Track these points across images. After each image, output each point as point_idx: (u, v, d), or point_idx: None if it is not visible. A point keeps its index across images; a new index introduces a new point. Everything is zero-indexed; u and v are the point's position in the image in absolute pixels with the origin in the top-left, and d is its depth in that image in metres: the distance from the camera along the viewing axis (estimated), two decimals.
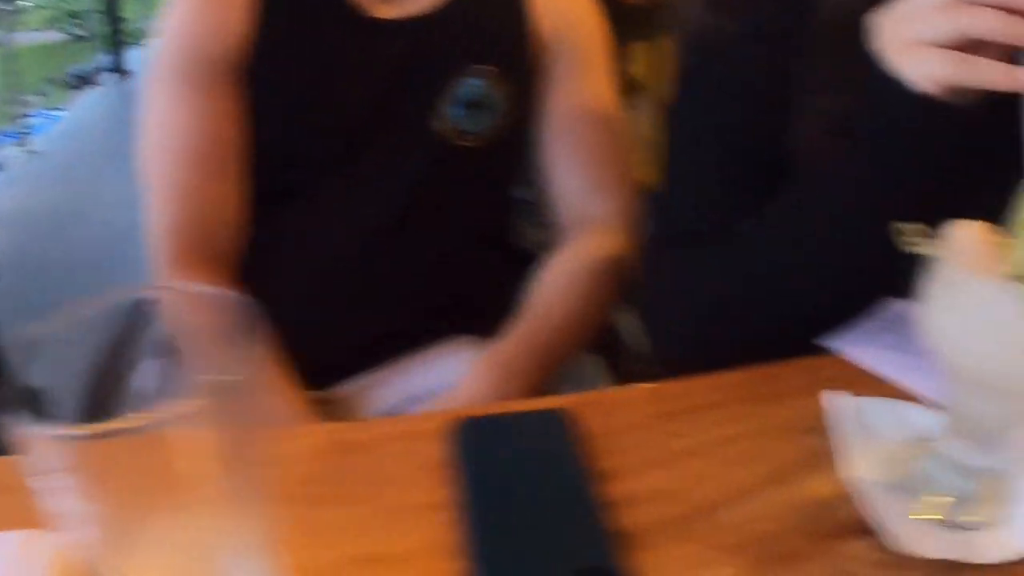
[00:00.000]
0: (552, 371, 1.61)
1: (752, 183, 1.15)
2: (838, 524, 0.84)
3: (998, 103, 0.88)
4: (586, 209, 1.76)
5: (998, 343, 0.73)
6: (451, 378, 1.67)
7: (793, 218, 1.09)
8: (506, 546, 0.80)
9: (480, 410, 0.98)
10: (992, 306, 0.72)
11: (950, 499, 0.84)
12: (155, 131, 1.66)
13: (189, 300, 0.70)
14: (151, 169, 1.65)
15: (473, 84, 1.71)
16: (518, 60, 1.77)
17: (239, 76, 1.66)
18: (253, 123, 1.68)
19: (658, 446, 0.93)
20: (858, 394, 0.97)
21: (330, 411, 1.65)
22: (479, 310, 1.77)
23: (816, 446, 0.93)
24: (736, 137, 1.21)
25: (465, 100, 1.72)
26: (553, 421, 0.95)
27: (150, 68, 1.69)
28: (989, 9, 0.88)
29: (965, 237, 0.72)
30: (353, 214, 1.72)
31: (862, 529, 0.82)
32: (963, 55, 0.89)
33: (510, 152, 1.81)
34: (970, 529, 0.83)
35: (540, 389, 1.57)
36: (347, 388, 1.71)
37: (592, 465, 0.90)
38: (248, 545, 0.59)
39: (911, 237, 0.73)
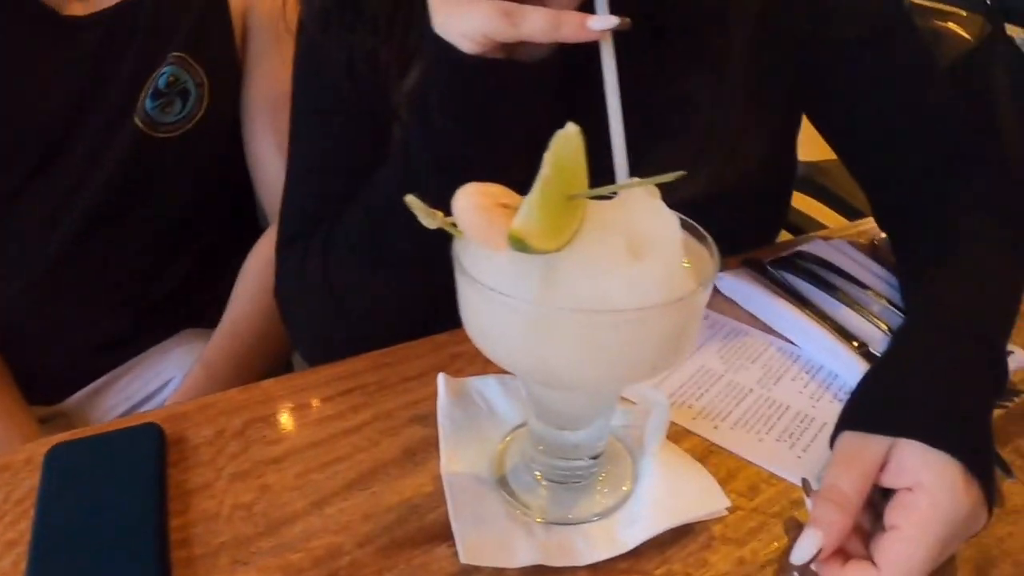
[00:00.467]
0: (259, 360, 1.59)
1: (356, 178, 1.08)
2: (423, 529, 0.77)
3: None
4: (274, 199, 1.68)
5: (515, 327, 0.64)
6: (177, 375, 1.63)
7: (381, 190, 1.02)
8: (67, 538, 0.77)
9: (75, 433, 0.89)
10: (501, 281, 0.62)
11: (544, 498, 0.77)
12: None
13: None
14: None
15: (168, 72, 1.66)
16: (213, 46, 1.71)
17: None
18: None
19: (252, 456, 0.86)
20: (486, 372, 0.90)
21: (58, 426, 1.59)
22: (201, 300, 1.74)
23: (424, 437, 0.86)
24: (336, 131, 1.17)
25: (162, 90, 1.66)
26: (145, 438, 0.87)
27: None
28: None
29: (469, 202, 0.63)
30: (60, 216, 1.64)
31: (447, 535, 0.75)
32: (508, 5, 0.79)
33: (212, 140, 1.75)
34: (586, 522, 0.77)
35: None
36: (76, 398, 1.66)
37: (179, 481, 0.83)
38: None
39: (419, 211, 0.64)
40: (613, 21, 0.76)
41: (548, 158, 0.60)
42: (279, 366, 1.64)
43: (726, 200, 1.05)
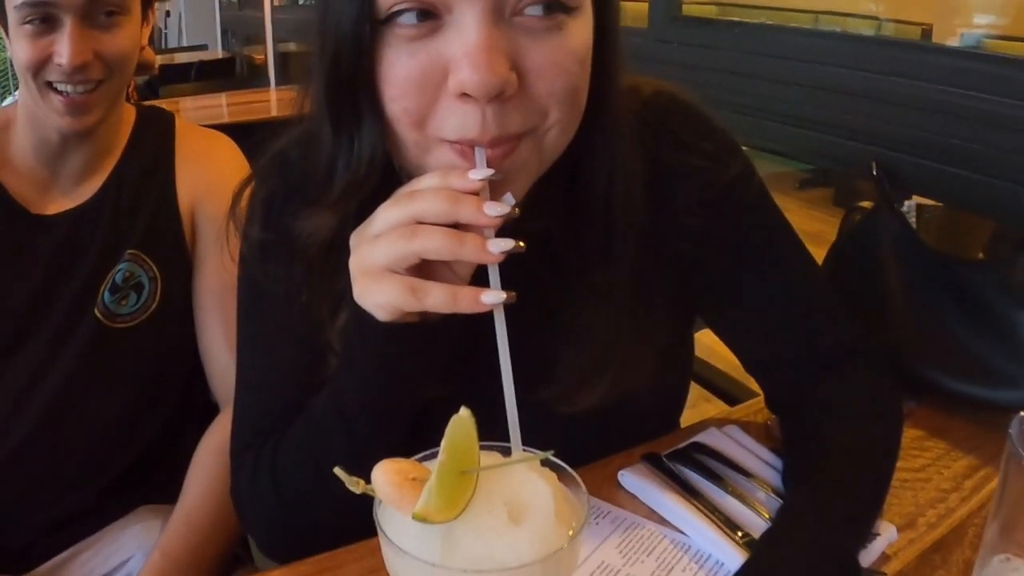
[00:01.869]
0: (215, 547, 1.71)
1: (298, 396, 1.23)
2: None
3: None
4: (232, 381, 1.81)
5: None
6: (137, 553, 1.75)
7: (308, 430, 1.18)
8: None
9: None
10: (410, 545, 0.78)
11: None
12: None
13: None
14: None
15: (124, 268, 1.81)
16: (164, 243, 1.87)
17: None
18: None
19: None
20: None
21: None
22: (162, 479, 1.86)
23: None
24: (280, 359, 1.30)
25: (119, 285, 1.81)
26: None
27: None
28: (440, 229, 0.94)
29: (384, 478, 0.79)
30: (23, 400, 1.77)
31: None
32: (414, 281, 0.94)
33: (167, 329, 1.89)
34: None
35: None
36: (41, 570, 1.76)
37: None
38: None
39: (346, 480, 0.79)
40: (500, 297, 0.91)
41: (444, 443, 0.76)
42: (235, 547, 1.76)
43: (626, 404, 1.20)
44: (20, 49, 1.64)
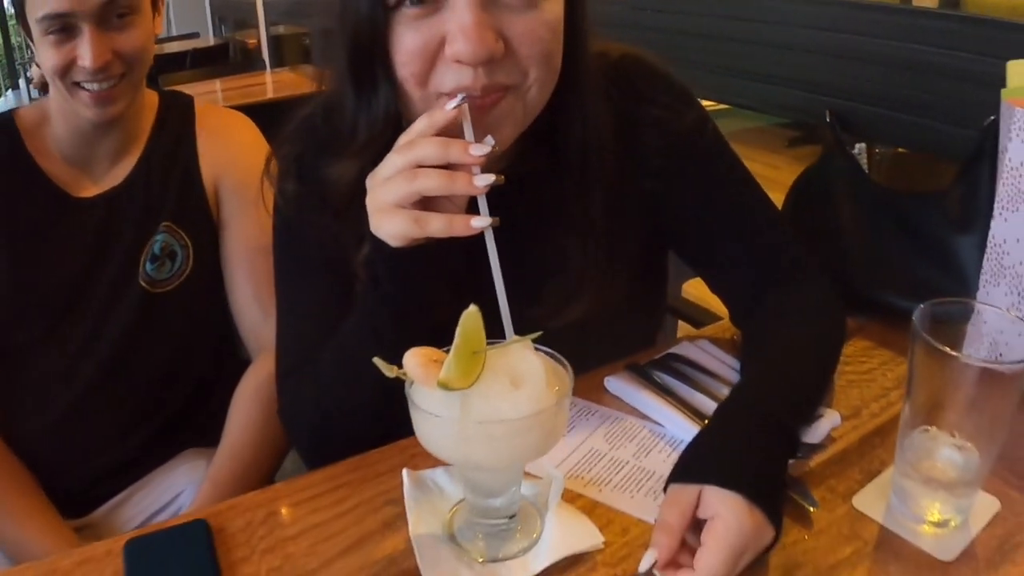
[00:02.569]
0: (257, 474, 1.93)
1: (331, 323, 1.46)
2: (402, 570, 1.17)
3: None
4: (263, 332, 2.05)
5: (445, 439, 1.07)
6: (187, 488, 1.99)
7: (345, 345, 1.42)
8: None
9: (142, 530, 1.29)
10: (436, 410, 1.04)
11: (480, 545, 1.18)
12: None
13: None
14: None
15: (160, 239, 2.04)
16: (192, 214, 2.09)
17: None
18: None
19: (275, 536, 1.25)
20: (433, 466, 1.30)
21: (88, 535, 1.93)
22: (202, 423, 2.10)
23: (396, 513, 1.26)
24: (315, 291, 1.55)
25: (156, 254, 2.04)
26: (198, 529, 1.26)
27: None
28: (436, 170, 1.19)
29: (413, 362, 1.05)
30: (79, 361, 2.01)
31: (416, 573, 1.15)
32: (417, 213, 1.18)
33: (200, 291, 2.12)
34: (509, 560, 1.17)
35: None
36: (100, 512, 2.01)
37: (225, 557, 1.22)
38: None
39: (389, 369, 1.05)
40: (487, 221, 1.16)
41: (458, 331, 1.01)
42: (273, 472, 1.98)
43: (607, 321, 1.46)
44: (47, 56, 1.83)
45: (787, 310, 1.53)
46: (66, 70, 1.83)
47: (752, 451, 1.22)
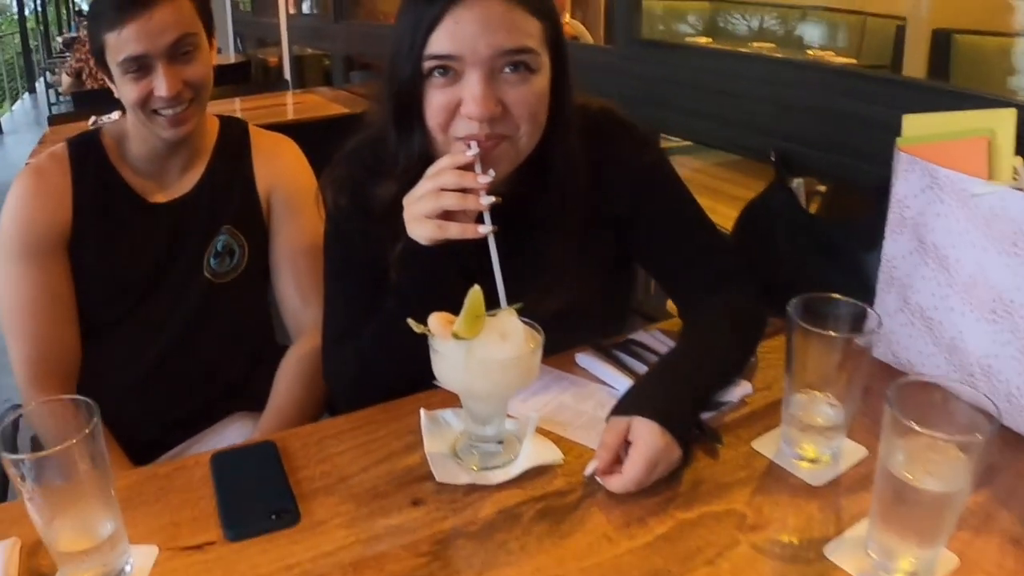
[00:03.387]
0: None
1: (369, 303, 1.89)
2: (420, 476, 1.64)
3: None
4: (303, 318, 2.53)
5: (455, 372, 1.56)
6: (236, 442, 2.34)
7: (386, 317, 1.88)
8: (238, 497, 1.58)
9: (224, 448, 1.76)
10: (449, 352, 1.53)
11: (476, 459, 1.66)
12: (6, 292, 2.30)
13: (49, 408, 1.40)
14: (8, 319, 2.30)
15: (223, 239, 2.49)
16: (248, 219, 2.55)
17: (64, 249, 2.36)
18: (76, 281, 2.39)
19: (326, 451, 1.73)
20: (445, 406, 1.79)
21: None
22: (249, 392, 2.54)
23: (417, 439, 1.73)
24: (358, 279, 1.98)
25: (219, 251, 2.49)
26: (268, 447, 1.73)
27: None
28: (454, 193, 1.68)
29: (435, 321, 1.54)
30: (154, 336, 2.46)
31: (430, 477, 1.63)
32: (440, 222, 1.65)
33: (252, 283, 2.58)
34: (495, 468, 1.65)
35: None
36: (163, 459, 2.34)
37: (288, 464, 1.69)
38: None
39: (418, 327, 1.54)
40: (490, 228, 1.66)
41: (466, 302, 1.50)
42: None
43: (578, 312, 1.92)
44: (128, 91, 2.20)
45: (718, 307, 1.97)
46: (145, 101, 2.24)
47: (668, 397, 1.70)
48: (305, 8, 7.99)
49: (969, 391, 1.38)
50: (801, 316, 1.62)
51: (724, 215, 2.56)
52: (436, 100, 1.72)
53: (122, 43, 2.15)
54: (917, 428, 1.29)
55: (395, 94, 1.77)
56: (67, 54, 17.10)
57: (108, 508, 1.35)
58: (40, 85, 18.34)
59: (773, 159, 2.61)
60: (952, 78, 5.67)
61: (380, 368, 1.91)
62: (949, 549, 1.43)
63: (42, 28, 24.63)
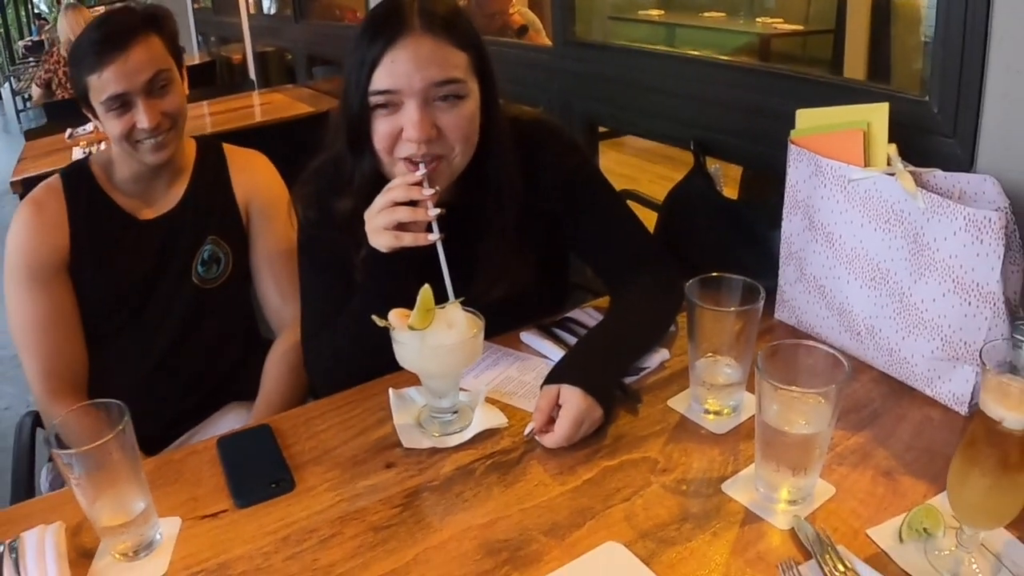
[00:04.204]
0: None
1: (339, 300, 2.16)
2: (390, 444, 1.98)
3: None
4: (283, 314, 2.83)
5: (412, 357, 1.90)
6: (234, 426, 2.62)
7: (354, 313, 2.12)
8: (242, 472, 1.85)
9: (228, 432, 2.09)
10: (407, 341, 1.87)
11: (436, 427, 2.00)
12: (17, 315, 2.52)
13: (76, 415, 1.66)
14: (21, 339, 2.52)
15: (208, 248, 2.77)
16: (231, 228, 2.82)
17: (65, 271, 2.62)
18: (79, 297, 2.65)
19: (313, 430, 2.05)
20: (409, 385, 2.12)
21: None
22: (240, 384, 2.84)
23: (384, 416, 2.06)
24: (328, 280, 2.24)
25: (205, 260, 2.76)
26: (265, 430, 2.05)
27: (3, 273, 2.55)
28: (406, 207, 1.98)
29: (393, 316, 1.86)
30: (153, 339, 2.75)
31: (399, 444, 1.97)
32: (396, 233, 1.92)
33: (238, 287, 2.86)
34: (452, 434, 1.98)
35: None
36: (169, 450, 2.58)
37: (282, 442, 2.01)
38: None
39: (380, 322, 1.86)
40: (437, 236, 1.95)
41: (418, 299, 1.83)
42: None
43: (520, 297, 2.23)
44: (112, 126, 2.43)
45: (639, 286, 2.29)
46: (129, 133, 2.45)
47: (591, 365, 2.01)
48: (265, 7, 8.11)
49: (824, 348, 1.69)
50: (698, 294, 1.93)
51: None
52: (381, 128, 2.00)
53: (103, 84, 2.39)
54: (780, 386, 1.60)
55: (348, 124, 2.04)
56: (31, 59, 17.14)
57: (140, 489, 1.62)
58: (6, 91, 18.28)
59: (692, 148, 2.87)
60: (892, 37, 5.91)
61: (351, 357, 2.17)
62: (828, 481, 1.72)
63: (2, 32, 24.59)
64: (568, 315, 2.39)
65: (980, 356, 1.46)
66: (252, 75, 7.80)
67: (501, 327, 2.26)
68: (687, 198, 2.83)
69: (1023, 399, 1.40)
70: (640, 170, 6.62)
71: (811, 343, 1.69)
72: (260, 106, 6.20)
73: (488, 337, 2.15)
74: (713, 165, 2.84)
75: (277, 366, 2.74)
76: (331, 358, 2.24)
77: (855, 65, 4.97)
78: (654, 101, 3.19)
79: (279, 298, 2.81)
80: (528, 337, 2.32)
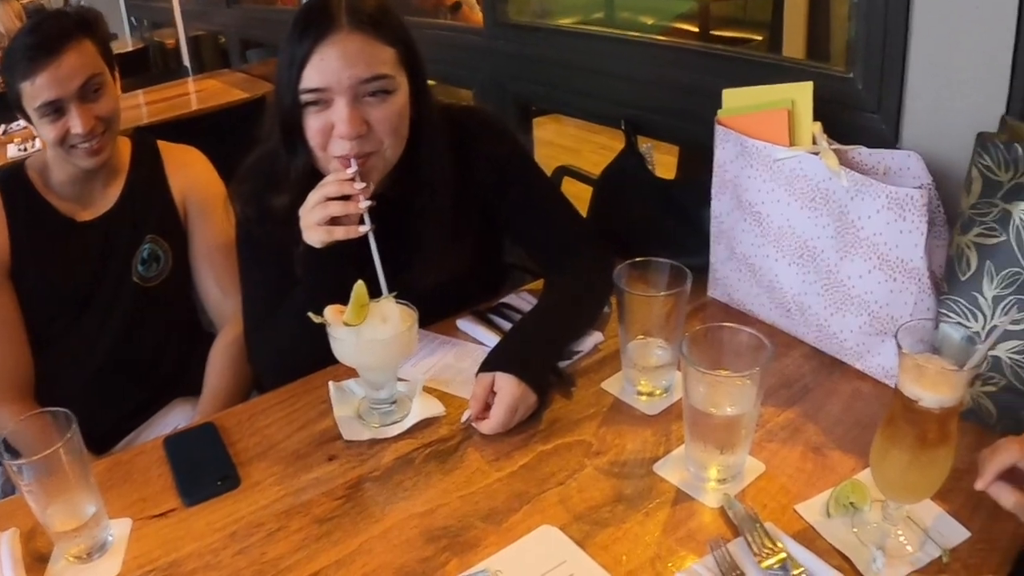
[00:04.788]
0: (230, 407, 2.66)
1: (279, 294, 2.20)
2: (332, 436, 2.05)
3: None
4: (224, 308, 2.88)
5: (348, 352, 1.96)
6: (180, 424, 2.75)
7: (293, 308, 2.11)
8: (189, 471, 1.90)
9: (174, 431, 2.16)
10: (342, 337, 1.94)
11: (376, 419, 2.07)
12: None
13: (26, 424, 1.73)
14: None
15: (148, 247, 2.82)
16: (168, 226, 2.88)
17: (6, 277, 2.68)
18: (21, 302, 2.71)
19: (256, 426, 2.12)
20: (350, 377, 2.19)
21: None
22: (186, 379, 2.90)
23: (326, 408, 2.13)
24: (267, 275, 2.30)
25: (145, 259, 2.82)
26: (209, 427, 2.11)
27: None
28: (338, 201, 2.03)
29: (329, 313, 1.93)
30: (97, 339, 2.80)
31: (340, 437, 2.04)
32: (329, 227, 1.97)
33: (178, 283, 2.92)
34: (391, 424, 2.05)
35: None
36: (119, 447, 2.69)
37: (227, 439, 2.07)
38: None
39: (316, 319, 1.93)
40: (368, 227, 2.02)
41: (352, 296, 1.90)
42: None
43: (456, 284, 2.32)
44: (46, 132, 2.46)
45: (571, 270, 2.36)
46: (63, 138, 2.49)
47: (524, 352, 2.07)
48: None
49: (748, 330, 1.77)
50: (626, 279, 2.00)
51: None
52: (313, 125, 2.05)
53: (37, 91, 2.43)
54: (704, 371, 1.68)
55: (281, 121, 2.10)
56: None
57: (90, 493, 1.67)
58: None
59: (624, 127, 2.91)
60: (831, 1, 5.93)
61: (294, 350, 2.21)
62: (758, 458, 1.79)
63: None
64: (503, 300, 2.45)
65: (896, 338, 1.53)
66: (186, 61, 7.72)
67: (440, 313, 2.34)
68: (620, 178, 2.89)
69: (939, 379, 1.48)
70: (582, 141, 6.67)
71: (735, 326, 1.75)
72: (195, 93, 6.12)
73: (426, 324, 2.26)
74: (645, 144, 2.90)
75: (221, 359, 2.80)
76: (274, 351, 2.29)
77: (795, 29, 4.99)
78: (586, 81, 3.23)
79: (220, 292, 2.88)
80: (464, 324, 2.37)
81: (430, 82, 2.25)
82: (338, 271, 1.99)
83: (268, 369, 2.36)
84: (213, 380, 2.74)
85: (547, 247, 2.42)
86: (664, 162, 2.97)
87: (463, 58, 3.79)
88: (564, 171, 3.12)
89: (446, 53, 3.89)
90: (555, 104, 3.70)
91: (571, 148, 6.11)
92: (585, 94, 3.29)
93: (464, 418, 1.98)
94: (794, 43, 4.90)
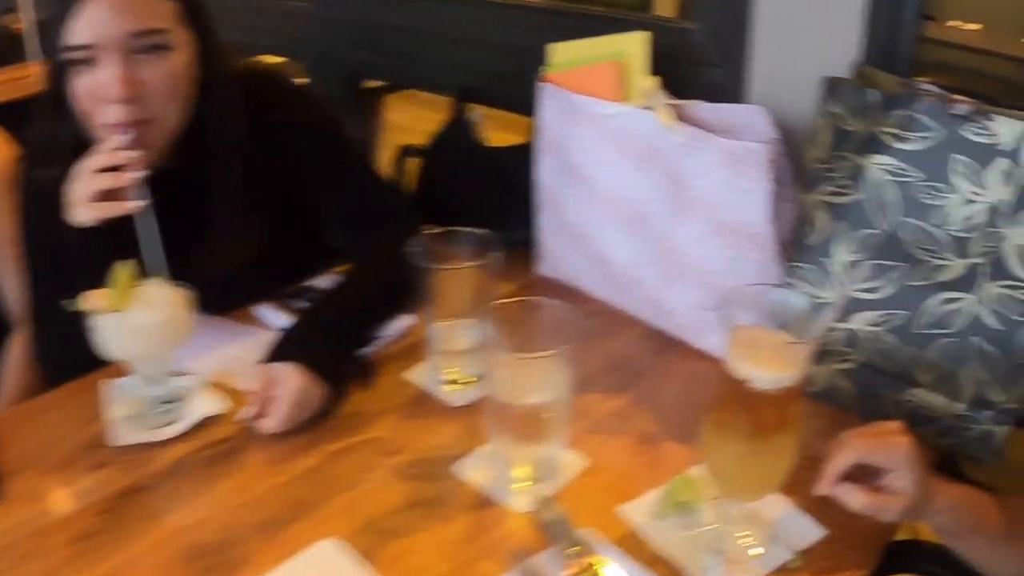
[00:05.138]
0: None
1: (57, 286, 1.86)
2: (103, 441, 1.84)
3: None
4: (20, 305, 2.62)
5: (115, 342, 1.77)
6: None
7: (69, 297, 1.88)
8: None
9: None
10: (105, 325, 1.75)
11: (151, 417, 1.87)
12: None
13: None
14: None
15: None
16: None
17: None
18: None
19: (31, 428, 1.90)
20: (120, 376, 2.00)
21: None
22: None
23: (98, 407, 1.94)
24: (43, 265, 2.10)
25: None
26: None
27: None
28: (107, 173, 1.79)
29: (91, 299, 1.73)
30: None
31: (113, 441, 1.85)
32: (98, 204, 1.77)
33: None
34: (165, 426, 1.86)
35: None
36: None
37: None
38: None
39: (75, 305, 1.74)
40: (142, 203, 1.79)
41: (113, 277, 1.70)
42: None
43: (257, 268, 2.12)
44: None
45: (380, 246, 2.17)
46: None
47: (312, 340, 1.91)
48: None
49: (554, 302, 1.63)
50: (426, 253, 1.85)
51: None
52: (80, 87, 1.85)
53: None
54: (504, 353, 1.54)
55: (50, 80, 1.89)
56: None
57: None
58: None
59: (453, 95, 2.78)
60: None
61: (74, 345, 2.00)
62: (582, 451, 1.70)
63: None
64: (309, 283, 2.30)
65: (720, 307, 1.38)
66: (30, 41, 7.42)
67: (239, 300, 2.16)
68: (446, 147, 2.76)
69: (776, 353, 1.33)
70: (436, 123, 6.51)
71: (539, 299, 1.63)
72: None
73: (222, 312, 2.11)
74: (476, 111, 2.77)
75: (14, 360, 2.57)
76: (57, 347, 2.11)
77: None
78: (419, 47, 3.09)
79: (15, 288, 2.60)
80: (264, 312, 2.21)
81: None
82: (110, 254, 1.78)
83: (52, 367, 2.17)
84: (6, 382, 2.54)
85: (353, 221, 2.27)
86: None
87: (289, 28, 3.57)
88: (408, 151, 2.92)
89: (270, 23, 3.65)
90: (389, 73, 3.45)
91: (426, 131, 6.01)
92: (419, 61, 3.14)
93: (240, 415, 1.83)
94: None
